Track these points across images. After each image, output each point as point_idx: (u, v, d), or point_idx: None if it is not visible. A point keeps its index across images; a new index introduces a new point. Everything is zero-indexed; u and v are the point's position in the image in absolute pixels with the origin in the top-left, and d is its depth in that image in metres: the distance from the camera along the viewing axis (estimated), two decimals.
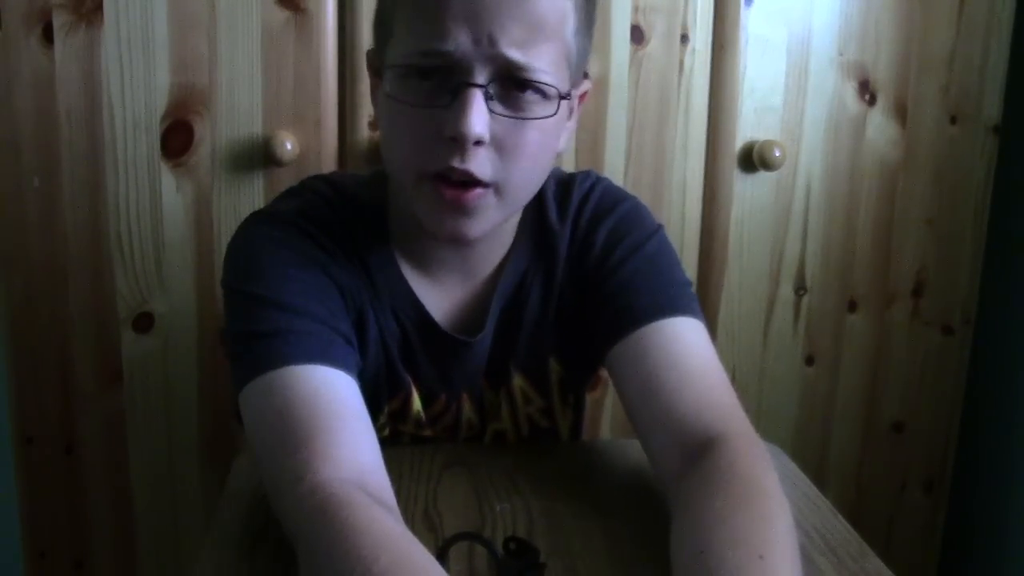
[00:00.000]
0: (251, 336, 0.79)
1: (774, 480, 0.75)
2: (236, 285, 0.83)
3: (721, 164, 1.42)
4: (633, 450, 0.93)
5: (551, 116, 0.78)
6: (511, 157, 0.78)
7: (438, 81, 0.76)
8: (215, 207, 1.29)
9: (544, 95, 0.77)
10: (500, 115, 0.76)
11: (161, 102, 1.26)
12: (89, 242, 1.29)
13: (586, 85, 0.87)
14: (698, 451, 0.76)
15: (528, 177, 0.82)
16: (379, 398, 0.90)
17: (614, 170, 1.38)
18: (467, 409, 0.94)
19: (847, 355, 1.53)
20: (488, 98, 0.75)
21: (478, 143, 0.76)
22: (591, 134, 1.38)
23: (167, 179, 1.28)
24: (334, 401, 0.76)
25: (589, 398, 1.45)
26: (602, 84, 1.36)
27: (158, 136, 1.27)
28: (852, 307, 1.52)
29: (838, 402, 1.54)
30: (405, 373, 0.90)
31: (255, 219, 0.87)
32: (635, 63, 1.37)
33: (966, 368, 1.57)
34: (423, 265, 0.89)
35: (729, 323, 1.48)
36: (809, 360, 1.52)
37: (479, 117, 0.75)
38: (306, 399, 0.75)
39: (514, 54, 0.75)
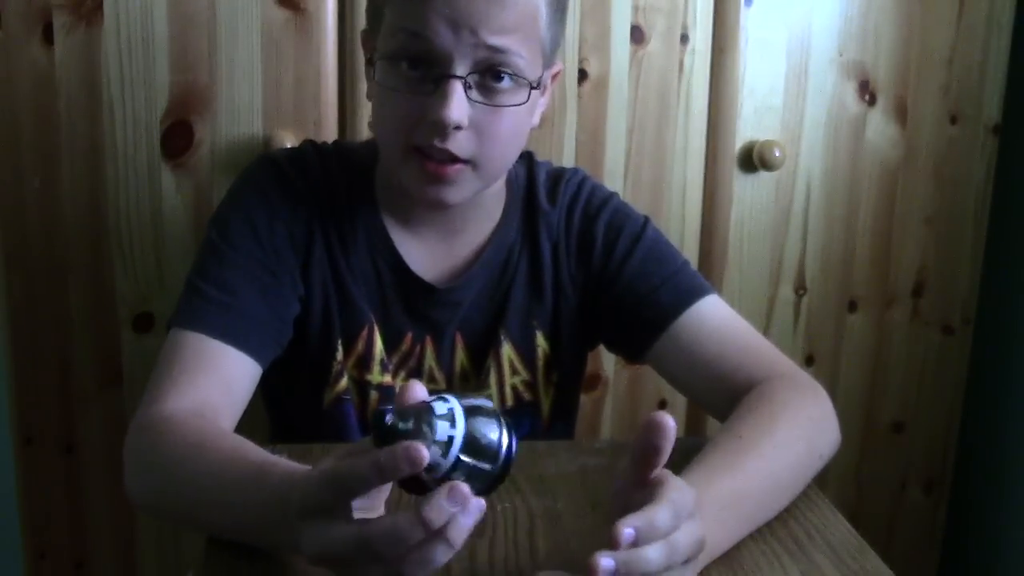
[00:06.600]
0: (190, 285, 0.93)
1: (804, 409, 0.88)
2: (211, 223, 0.97)
3: (721, 164, 1.43)
4: None
5: (523, 104, 0.88)
6: (487, 138, 0.88)
7: (423, 70, 0.86)
8: (215, 207, 1.29)
9: (517, 84, 0.87)
10: (477, 102, 0.86)
11: (161, 101, 1.26)
12: (89, 242, 1.29)
13: (558, 67, 0.97)
14: (742, 395, 0.89)
15: (502, 153, 0.92)
16: (330, 329, 0.99)
17: (614, 170, 1.38)
18: (429, 356, 1.01)
19: (847, 355, 1.53)
20: (467, 87, 0.85)
21: (457, 127, 0.85)
22: (591, 134, 1.38)
23: (167, 179, 1.28)
24: (212, 368, 0.87)
25: (589, 398, 1.45)
26: (602, 84, 1.36)
27: (158, 136, 1.27)
28: (852, 307, 1.52)
29: (838, 402, 1.51)
30: (369, 311, 0.99)
31: (258, 160, 1.01)
32: (635, 63, 1.37)
33: (966, 368, 1.57)
34: (405, 220, 0.99)
35: None
36: (809, 360, 1.52)
37: (459, 106, 0.84)
38: (186, 361, 0.87)
39: (493, 40, 0.84)
